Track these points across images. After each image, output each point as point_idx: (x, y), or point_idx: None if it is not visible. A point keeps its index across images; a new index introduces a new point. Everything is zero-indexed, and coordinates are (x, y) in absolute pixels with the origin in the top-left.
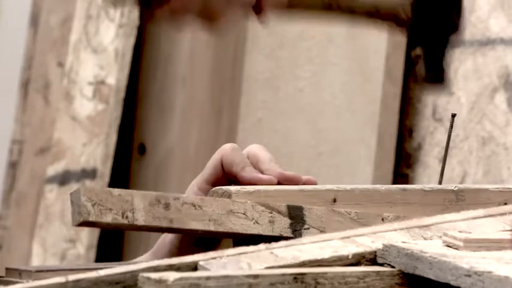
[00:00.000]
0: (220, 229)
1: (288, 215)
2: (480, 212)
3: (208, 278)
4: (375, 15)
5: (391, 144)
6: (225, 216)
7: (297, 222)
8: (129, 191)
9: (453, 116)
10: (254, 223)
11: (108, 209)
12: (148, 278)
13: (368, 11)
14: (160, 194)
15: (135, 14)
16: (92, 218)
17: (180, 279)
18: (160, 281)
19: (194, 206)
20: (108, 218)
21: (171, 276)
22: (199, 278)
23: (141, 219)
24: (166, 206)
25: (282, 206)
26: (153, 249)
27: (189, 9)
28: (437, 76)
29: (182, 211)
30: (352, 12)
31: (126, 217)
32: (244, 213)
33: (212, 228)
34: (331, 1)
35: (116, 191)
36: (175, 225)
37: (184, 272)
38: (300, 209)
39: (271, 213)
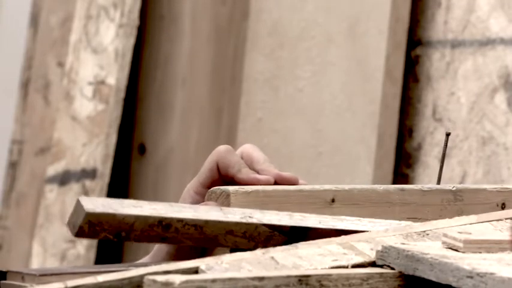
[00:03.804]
0: (212, 245)
1: (288, 234)
2: (474, 217)
3: (214, 281)
4: None
5: (391, 144)
6: (221, 236)
7: (294, 241)
8: (135, 215)
9: (447, 134)
10: (249, 241)
11: (103, 230)
12: (154, 281)
13: None
14: (164, 217)
15: (135, 14)
16: (83, 237)
17: (187, 281)
18: (166, 284)
19: (196, 228)
20: (100, 237)
21: (177, 278)
22: (205, 281)
23: (132, 239)
24: (167, 228)
25: (287, 226)
26: (152, 251)
27: None
28: None
29: (180, 232)
30: None
31: (119, 236)
32: (243, 233)
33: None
34: None
35: (120, 215)
36: (167, 242)
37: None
38: (304, 229)
39: (272, 232)
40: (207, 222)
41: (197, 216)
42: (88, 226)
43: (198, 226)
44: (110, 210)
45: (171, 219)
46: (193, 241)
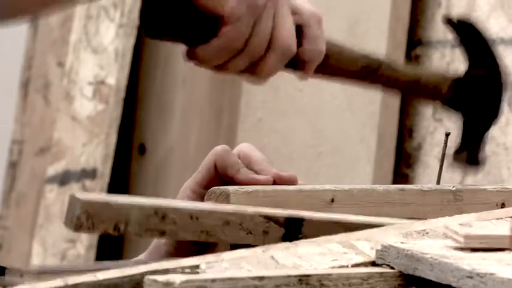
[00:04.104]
0: (211, 240)
1: (284, 225)
2: (474, 215)
3: (214, 281)
4: (416, 86)
5: (391, 144)
6: (219, 227)
7: (292, 233)
8: (129, 203)
9: (447, 134)
10: (247, 233)
11: (101, 221)
12: (155, 281)
13: (409, 82)
14: (158, 207)
15: (135, 14)
16: (83, 230)
17: (187, 281)
18: (167, 284)
19: (191, 217)
20: (99, 230)
21: (178, 278)
22: (205, 281)
23: (132, 232)
24: (163, 218)
25: (281, 218)
26: (148, 249)
27: (231, 49)
28: (472, 157)
29: (177, 223)
30: (393, 82)
31: (118, 229)
32: (240, 224)
33: (203, 239)
34: (373, 66)
35: (115, 204)
36: (166, 236)
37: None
38: (299, 220)
39: (267, 223)
40: (202, 212)
41: (192, 207)
42: (86, 217)
43: (195, 217)
44: (105, 199)
45: (166, 208)
46: (192, 235)
